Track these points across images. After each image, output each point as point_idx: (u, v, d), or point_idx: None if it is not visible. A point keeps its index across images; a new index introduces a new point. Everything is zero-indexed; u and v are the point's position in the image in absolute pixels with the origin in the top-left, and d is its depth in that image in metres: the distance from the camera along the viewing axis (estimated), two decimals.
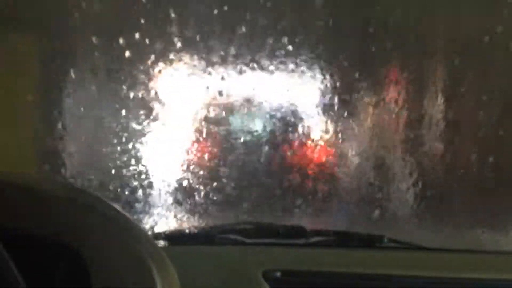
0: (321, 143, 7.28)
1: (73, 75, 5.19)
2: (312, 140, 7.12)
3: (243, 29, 4.89)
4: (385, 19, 5.18)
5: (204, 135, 6.70)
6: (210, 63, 5.23)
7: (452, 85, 4.05)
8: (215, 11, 5.48)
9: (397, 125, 6.21)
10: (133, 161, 6.68)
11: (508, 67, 3.80)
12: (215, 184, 5.98)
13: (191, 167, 6.45)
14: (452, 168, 4.27)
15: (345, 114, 7.41)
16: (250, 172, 6.37)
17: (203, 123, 7.22)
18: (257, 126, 7.02)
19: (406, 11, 5.06)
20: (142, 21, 5.89)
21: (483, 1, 3.69)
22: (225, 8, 5.02)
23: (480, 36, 3.83)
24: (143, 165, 6.99)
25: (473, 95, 4.04)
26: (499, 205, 3.68)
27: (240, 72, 6.81)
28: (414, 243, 2.05)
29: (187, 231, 2.14)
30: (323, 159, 6.76)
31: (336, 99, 7.64)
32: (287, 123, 6.97)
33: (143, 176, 7.17)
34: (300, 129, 7.25)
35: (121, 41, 5.67)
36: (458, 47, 4.25)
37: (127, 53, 6.18)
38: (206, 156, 6.60)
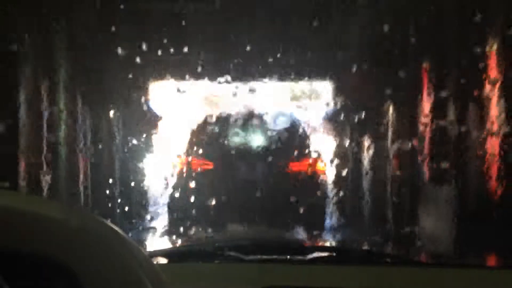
0: (321, 160, 7.18)
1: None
2: (310, 157, 7.05)
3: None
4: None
5: (202, 155, 6.71)
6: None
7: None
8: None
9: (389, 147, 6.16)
10: (132, 180, 6.66)
11: None
12: (213, 202, 5.98)
13: (189, 186, 6.45)
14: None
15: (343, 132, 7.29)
16: (249, 190, 6.36)
17: (202, 142, 7.19)
18: (255, 145, 6.97)
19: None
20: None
21: None
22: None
23: None
24: (142, 184, 6.98)
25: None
26: None
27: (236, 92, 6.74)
28: (414, 259, 2.04)
29: (185, 248, 2.13)
30: (320, 175, 6.70)
31: (334, 120, 7.56)
32: (285, 141, 6.92)
33: (142, 195, 7.16)
34: (298, 147, 7.21)
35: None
36: None
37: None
38: (204, 175, 6.60)
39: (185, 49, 6.90)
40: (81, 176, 5.55)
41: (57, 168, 5.11)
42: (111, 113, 6.69)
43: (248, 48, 6.02)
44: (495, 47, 4.06)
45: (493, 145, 4.11)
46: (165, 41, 6.46)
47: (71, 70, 5.36)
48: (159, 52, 6.65)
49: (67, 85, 5.34)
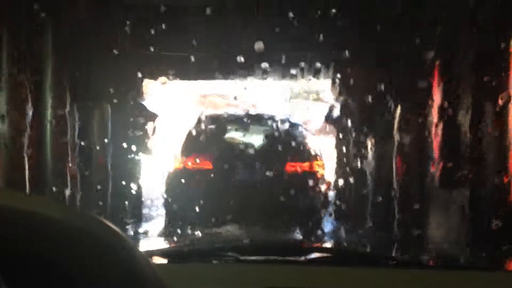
0: (322, 162, 7.18)
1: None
2: (309, 158, 7.05)
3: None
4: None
5: (200, 156, 6.70)
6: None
7: None
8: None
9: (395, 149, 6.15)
10: (130, 181, 6.64)
11: None
12: (212, 203, 5.96)
13: (189, 186, 6.42)
14: None
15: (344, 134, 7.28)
16: (247, 191, 6.34)
17: (200, 143, 7.20)
18: (254, 146, 6.98)
19: None
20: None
21: None
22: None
23: None
24: (142, 185, 6.95)
25: None
26: None
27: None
28: (415, 261, 2.03)
29: (184, 249, 2.13)
30: (319, 177, 6.69)
31: (334, 121, 7.55)
32: (284, 142, 6.94)
33: (142, 196, 7.14)
34: (296, 148, 7.23)
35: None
36: None
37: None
38: (203, 175, 6.59)
39: (184, 49, 6.89)
40: (80, 177, 5.55)
41: (57, 169, 5.11)
42: (108, 112, 6.69)
43: (246, 48, 6.02)
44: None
45: (499, 146, 4.11)
46: (162, 39, 6.45)
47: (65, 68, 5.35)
48: (157, 50, 6.64)
49: (61, 85, 5.34)
